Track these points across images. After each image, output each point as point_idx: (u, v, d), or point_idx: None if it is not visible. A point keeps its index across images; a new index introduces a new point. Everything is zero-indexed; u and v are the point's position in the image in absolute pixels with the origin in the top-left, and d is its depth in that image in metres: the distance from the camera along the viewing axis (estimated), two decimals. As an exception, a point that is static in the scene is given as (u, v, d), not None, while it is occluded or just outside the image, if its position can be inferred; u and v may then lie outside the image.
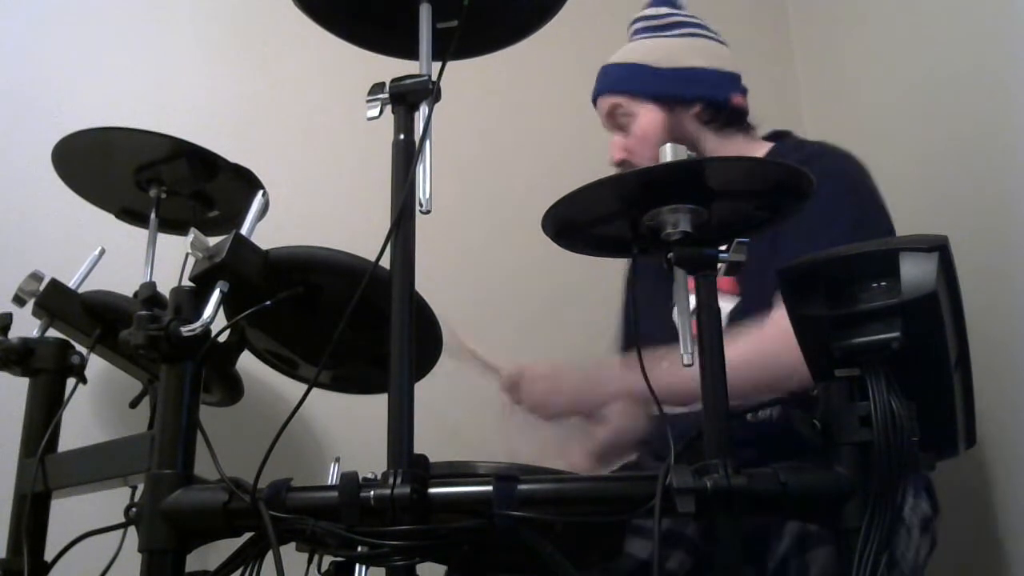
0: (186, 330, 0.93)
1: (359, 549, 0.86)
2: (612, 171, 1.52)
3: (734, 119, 1.54)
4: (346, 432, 1.76)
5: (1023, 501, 1.48)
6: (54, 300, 1.32)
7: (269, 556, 0.86)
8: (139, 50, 1.87)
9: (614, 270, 1.65)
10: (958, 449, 1.00)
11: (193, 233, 0.97)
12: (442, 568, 0.95)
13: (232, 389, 1.38)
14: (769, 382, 1.21)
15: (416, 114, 0.95)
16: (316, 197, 1.89)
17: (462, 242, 1.96)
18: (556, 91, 2.12)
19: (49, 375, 1.28)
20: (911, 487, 1.24)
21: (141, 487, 0.94)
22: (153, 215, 1.29)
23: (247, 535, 0.92)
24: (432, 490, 0.86)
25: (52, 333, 1.32)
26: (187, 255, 0.98)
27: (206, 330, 0.94)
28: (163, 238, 1.30)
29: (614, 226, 0.97)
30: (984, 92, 1.61)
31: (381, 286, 0.91)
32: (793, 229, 1.10)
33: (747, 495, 0.84)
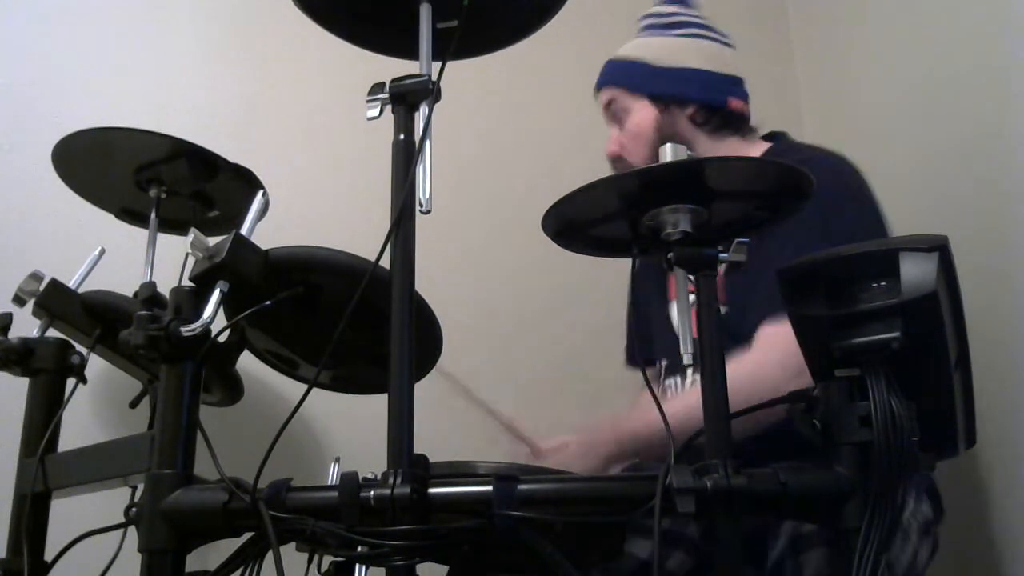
0: (186, 330, 0.93)
1: (359, 549, 0.86)
2: (612, 171, 1.53)
3: (730, 122, 1.51)
4: (346, 432, 1.76)
5: (1023, 501, 1.48)
6: (54, 300, 1.31)
7: (269, 556, 0.87)
8: (139, 50, 1.87)
9: (614, 270, 1.65)
10: (958, 449, 1.00)
11: (193, 233, 0.97)
12: (442, 568, 0.95)
13: (232, 389, 1.39)
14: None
15: (416, 114, 0.96)
16: (316, 197, 1.89)
17: (462, 242, 1.96)
18: (556, 91, 2.12)
19: (49, 375, 1.27)
20: (912, 489, 1.24)
21: (141, 487, 0.94)
22: (153, 215, 1.28)
23: (247, 535, 0.92)
24: (432, 490, 0.86)
25: (52, 333, 1.32)
26: (187, 255, 0.98)
27: (206, 330, 0.94)
28: (163, 238, 1.30)
29: (614, 226, 0.97)
30: (984, 92, 1.61)
31: (381, 286, 0.91)
32: (784, 237, 1.09)
33: (747, 495, 0.84)
